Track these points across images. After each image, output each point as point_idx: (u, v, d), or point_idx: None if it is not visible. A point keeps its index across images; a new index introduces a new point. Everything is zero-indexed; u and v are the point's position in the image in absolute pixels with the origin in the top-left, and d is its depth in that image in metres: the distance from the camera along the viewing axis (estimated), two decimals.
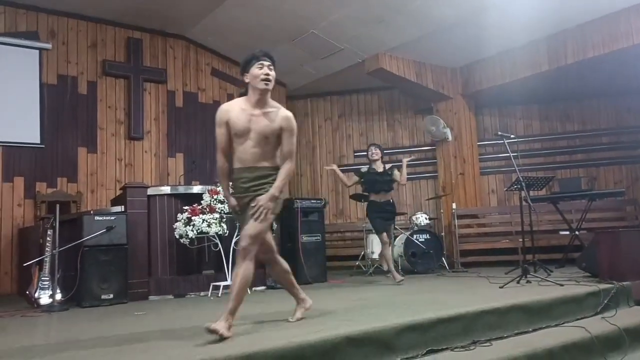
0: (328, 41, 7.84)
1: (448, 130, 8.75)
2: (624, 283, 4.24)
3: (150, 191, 5.64)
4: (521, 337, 3.26)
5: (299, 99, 10.21)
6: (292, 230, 6.47)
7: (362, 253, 7.83)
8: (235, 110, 3.05)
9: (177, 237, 5.30)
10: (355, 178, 6.20)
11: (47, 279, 4.89)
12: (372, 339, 2.70)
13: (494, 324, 3.24)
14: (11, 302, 5.34)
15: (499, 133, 5.24)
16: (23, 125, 6.85)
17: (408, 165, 6.00)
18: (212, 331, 2.61)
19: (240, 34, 7.88)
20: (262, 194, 2.97)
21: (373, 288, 5.48)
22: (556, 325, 3.52)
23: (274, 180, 3.02)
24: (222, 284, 5.30)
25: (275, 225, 5.52)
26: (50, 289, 4.85)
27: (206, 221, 5.20)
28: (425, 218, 7.56)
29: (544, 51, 7.58)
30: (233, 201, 3.16)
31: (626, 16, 6.73)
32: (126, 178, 7.52)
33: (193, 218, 5.22)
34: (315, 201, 6.91)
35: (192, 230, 5.18)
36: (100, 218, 4.98)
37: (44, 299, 4.84)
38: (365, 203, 7.99)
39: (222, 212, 5.32)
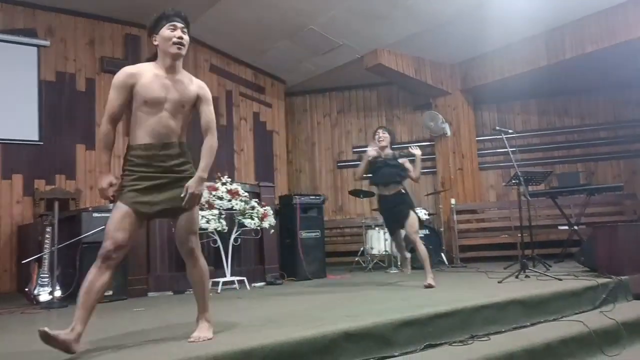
0: (326, 37, 7.83)
1: (447, 126, 8.76)
2: (622, 277, 4.25)
3: None
4: (519, 331, 3.26)
5: (297, 95, 10.21)
6: (291, 226, 6.47)
7: (362, 249, 7.84)
8: (147, 75, 2.61)
9: None
10: (362, 165, 5.05)
11: (47, 276, 4.89)
12: (371, 334, 2.70)
13: (492, 319, 3.25)
14: (11, 300, 5.35)
15: (497, 128, 5.24)
16: (21, 123, 6.83)
17: (413, 160, 5.03)
18: (194, 341, 2.56)
19: (238, 30, 7.87)
20: (186, 176, 2.64)
21: (372, 284, 5.49)
22: (554, 320, 3.53)
23: (190, 158, 2.71)
24: (221, 280, 5.31)
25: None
26: (49, 285, 4.85)
27: (205, 217, 5.20)
28: (425, 213, 7.56)
29: (543, 46, 7.58)
30: (112, 180, 2.56)
31: (624, 10, 6.73)
32: None
33: None
34: (314, 197, 6.91)
35: None
36: (99, 215, 4.98)
37: (44, 296, 4.84)
38: (365, 199, 8.04)
39: (221, 208, 5.32)
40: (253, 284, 5.68)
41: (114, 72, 2.74)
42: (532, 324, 3.40)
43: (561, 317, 3.59)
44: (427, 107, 9.16)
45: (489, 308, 3.27)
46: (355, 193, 7.88)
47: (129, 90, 2.58)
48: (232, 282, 5.41)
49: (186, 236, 2.70)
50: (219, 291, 5.21)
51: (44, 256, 4.90)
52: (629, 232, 4.66)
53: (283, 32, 7.80)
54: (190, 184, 2.62)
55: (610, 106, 8.95)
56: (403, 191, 4.97)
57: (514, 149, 5.22)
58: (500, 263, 6.63)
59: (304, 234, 6.49)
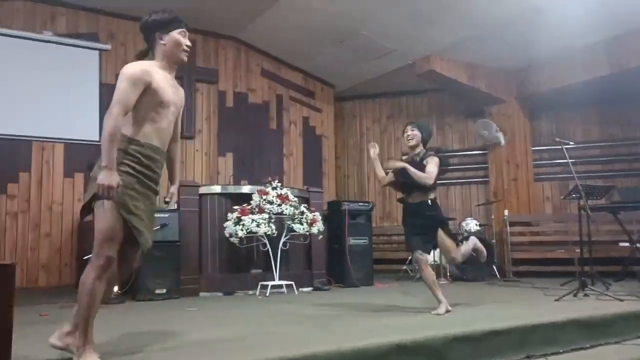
0: (377, 43, 7.78)
1: (501, 135, 8.52)
2: None
3: (201, 190, 5.77)
4: (577, 353, 3.13)
5: (347, 100, 10.20)
6: (340, 232, 6.46)
7: (410, 257, 7.72)
8: (157, 75, 2.45)
9: (227, 235, 5.39)
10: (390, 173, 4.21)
11: None
12: (423, 348, 2.65)
13: (549, 339, 3.13)
14: (70, 293, 5.55)
15: (558, 139, 5.05)
16: (83, 123, 7.12)
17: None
18: None
19: (289, 36, 7.94)
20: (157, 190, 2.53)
21: (421, 294, 5.40)
22: (615, 343, 3.36)
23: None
24: (270, 283, 5.36)
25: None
26: None
27: (255, 221, 5.26)
28: (476, 224, 7.39)
29: (604, 54, 7.27)
30: (118, 179, 2.25)
31: None
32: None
33: (243, 218, 5.30)
34: (362, 204, 6.88)
35: (242, 230, 5.26)
36: (155, 215, 5.12)
37: None
38: None
39: (271, 212, 5.38)
40: (301, 289, 5.70)
41: None
42: (592, 346, 3.25)
43: (622, 341, 3.41)
44: (480, 114, 8.95)
45: (547, 327, 3.15)
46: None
47: (144, 87, 2.38)
48: (281, 287, 5.45)
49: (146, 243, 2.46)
50: (267, 294, 5.26)
51: None
52: None
53: (334, 37, 7.82)
54: (174, 191, 2.72)
55: None
56: (429, 202, 3.94)
57: (573, 161, 5.01)
58: (555, 279, 6.38)
59: (352, 241, 6.46)
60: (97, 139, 7.15)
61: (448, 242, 4.05)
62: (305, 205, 5.79)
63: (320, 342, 2.58)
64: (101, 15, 7.42)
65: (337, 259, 6.46)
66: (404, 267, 7.84)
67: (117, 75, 7.91)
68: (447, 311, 3.73)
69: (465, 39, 7.48)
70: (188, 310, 4.22)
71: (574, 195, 5.28)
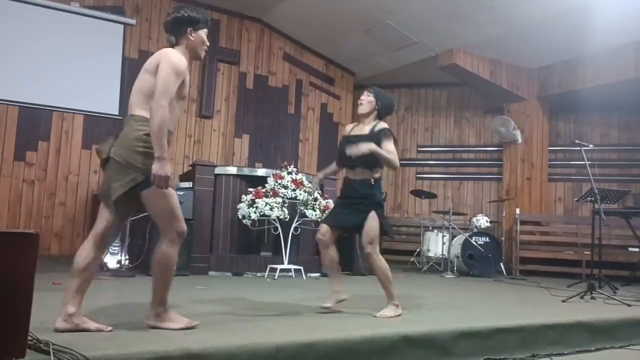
0: (403, 33, 7.74)
1: (518, 132, 8.46)
2: None
3: (217, 170, 5.82)
4: (582, 355, 3.15)
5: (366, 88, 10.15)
6: None
7: (418, 249, 7.77)
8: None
9: (240, 217, 5.45)
10: None
11: (118, 245, 5.17)
12: (430, 341, 2.69)
13: (555, 340, 3.15)
14: None
15: (577, 141, 5.02)
16: (104, 96, 7.20)
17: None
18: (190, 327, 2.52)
19: (315, 21, 7.92)
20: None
21: (427, 287, 5.44)
22: (620, 347, 3.38)
23: None
24: (279, 266, 5.42)
25: None
26: (119, 254, 5.14)
27: (269, 204, 5.31)
28: (486, 221, 7.39)
29: (632, 57, 7.16)
30: (171, 169, 2.43)
31: None
32: (194, 155, 7.79)
33: (257, 200, 5.35)
34: None
35: (255, 212, 5.31)
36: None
37: (111, 263, 5.13)
38: (426, 200, 7.93)
39: (285, 197, 5.42)
40: (309, 274, 5.76)
41: None
42: (597, 349, 3.27)
43: (628, 345, 3.43)
44: (499, 111, 8.88)
45: (553, 328, 3.18)
46: (417, 193, 7.79)
47: (183, 79, 2.50)
48: (289, 270, 5.52)
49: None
50: (276, 277, 5.33)
51: None
52: None
53: (359, 25, 7.78)
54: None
55: None
56: (371, 181, 3.38)
57: (590, 163, 4.98)
58: (562, 280, 6.39)
59: None
60: (117, 113, 7.24)
61: (373, 232, 3.34)
62: (319, 191, 5.82)
63: (328, 329, 2.63)
64: None
65: (346, 247, 6.45)
66: (412, 259, 7.88)
67: (139, 50, 7.91)
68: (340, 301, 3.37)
69: (491, 35, 7.41)
70: (198, 288, 4.29)
71: (589, 199, 5.25)
